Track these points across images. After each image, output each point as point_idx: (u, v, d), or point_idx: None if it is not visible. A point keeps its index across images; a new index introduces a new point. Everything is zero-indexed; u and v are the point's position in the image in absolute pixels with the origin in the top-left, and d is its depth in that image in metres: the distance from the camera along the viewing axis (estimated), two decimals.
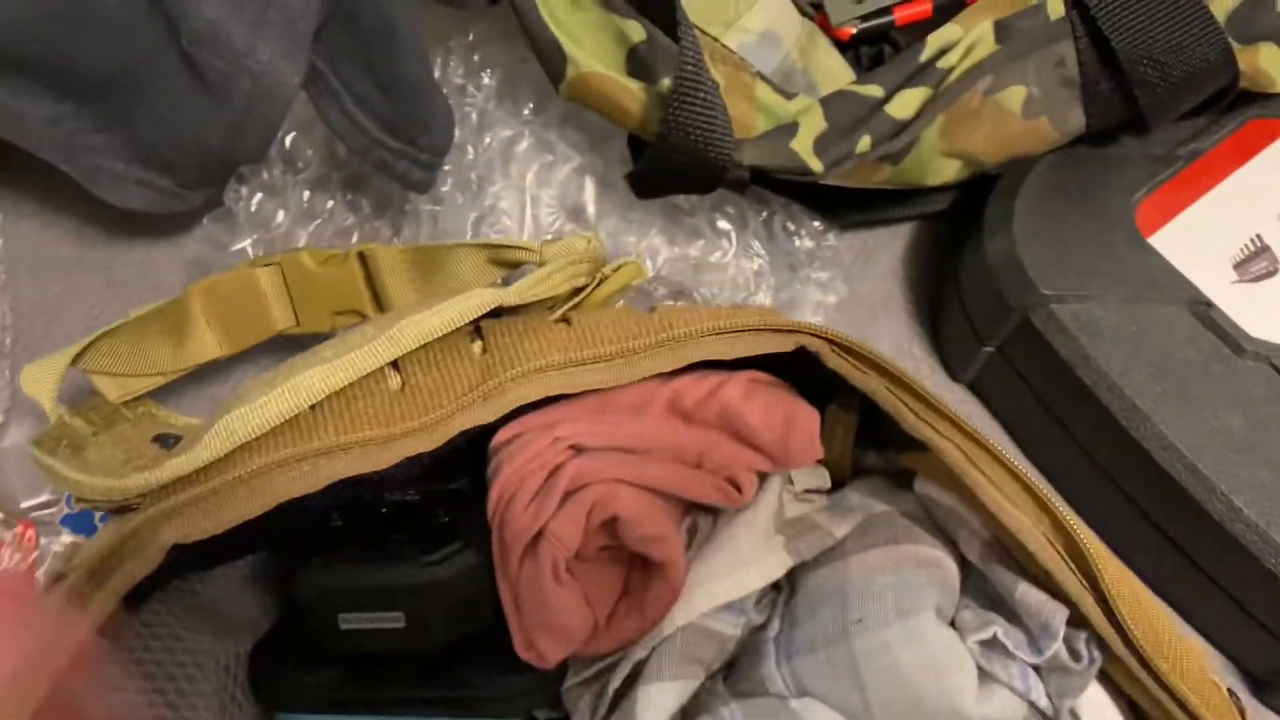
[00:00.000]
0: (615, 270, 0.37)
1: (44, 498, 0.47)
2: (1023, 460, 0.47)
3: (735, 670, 0.35)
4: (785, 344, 0.32)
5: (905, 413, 0.31)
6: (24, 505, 0.47)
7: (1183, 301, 0.43)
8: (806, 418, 0.33)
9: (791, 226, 0.48)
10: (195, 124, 0.41)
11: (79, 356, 0.38)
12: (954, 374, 0.50)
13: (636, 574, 0.34)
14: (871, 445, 0.38)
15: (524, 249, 0.38)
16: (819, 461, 0.36)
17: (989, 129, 0.44)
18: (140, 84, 0.41)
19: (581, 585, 0.33)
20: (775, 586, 0.36)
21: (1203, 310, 0.43)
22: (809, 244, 0.48)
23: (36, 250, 0.51)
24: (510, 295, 0.32)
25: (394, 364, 0.31)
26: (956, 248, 0.49)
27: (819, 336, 0.32)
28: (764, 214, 0.48)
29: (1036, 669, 0.32)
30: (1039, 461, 0.47)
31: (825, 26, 0.49)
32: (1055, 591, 0.31)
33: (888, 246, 0.52)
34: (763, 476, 0.35)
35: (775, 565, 0.33)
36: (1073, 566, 0.30)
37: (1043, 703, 0.32)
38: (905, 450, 0.36)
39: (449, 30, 0.47)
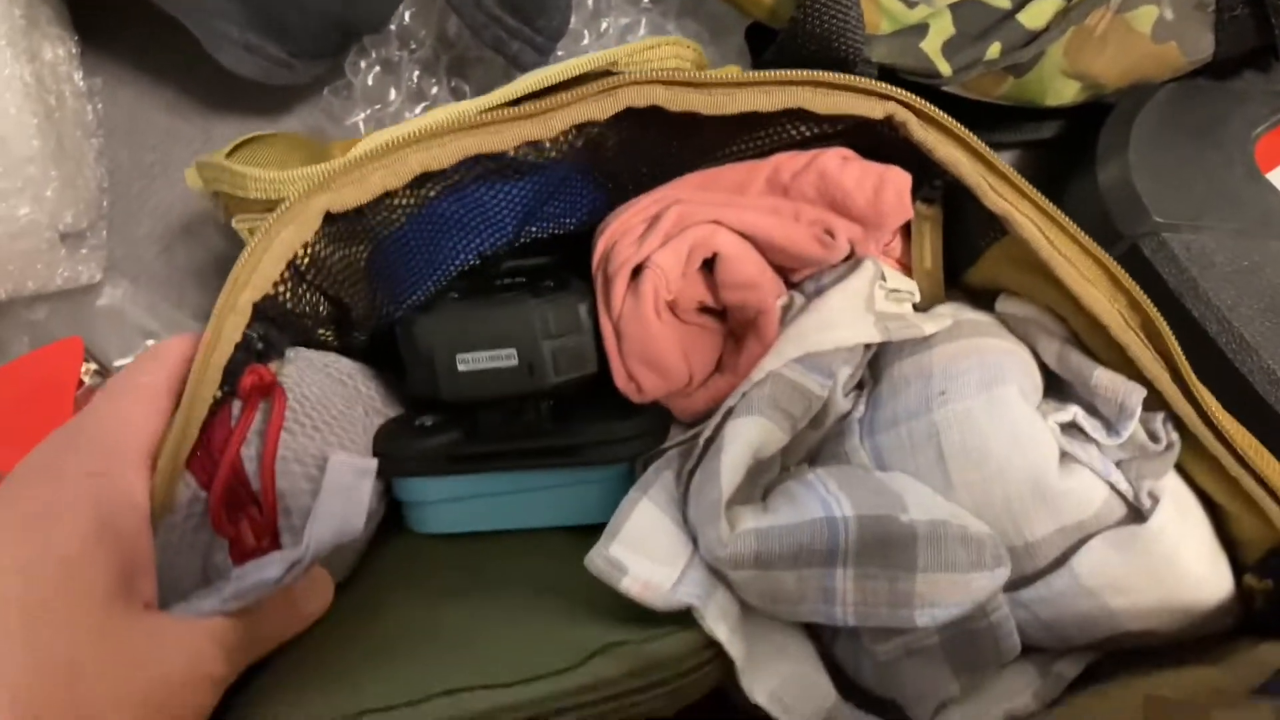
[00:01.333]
0: (717, 70, 0.37)
1: (133, 358, 0.47)
2: None
3: (820, 456, 0.36)
4: (875, 109, 0.32)
5: (985, 187, 0.32)
6: (117, 365, 0.47)
7: None
8: (898, 177, 0.34)
9: None
10: None
11: (235, 150, 0.40)
12: None
13: (730, 347, 0.36)
14: (954, 284, 0.39)
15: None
16: (910, 273, 0.37)
17: (1115, 50, 0.43)
18: None
19: (679, 343, 0.34)
20: (860, 385, 0.36)
21: None
22: None
23: (133, 117, 0.51)
24: (621, 53, 0.33)
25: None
26: (1062, 176, 0.48)
27: (908, 106, 0.32)
28: None
29: (1118, 464, 0.32)
30: None
31: None
32: (1132, 374, 0.31)
33: None
34: (857, 263, 0.35)
35: (864, 332, 0.34)
36: (1148, 343, 0.31)
37: (1123, 486, 0.32)
38: (981, 256, 0.36)
39: None
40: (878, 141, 0.33)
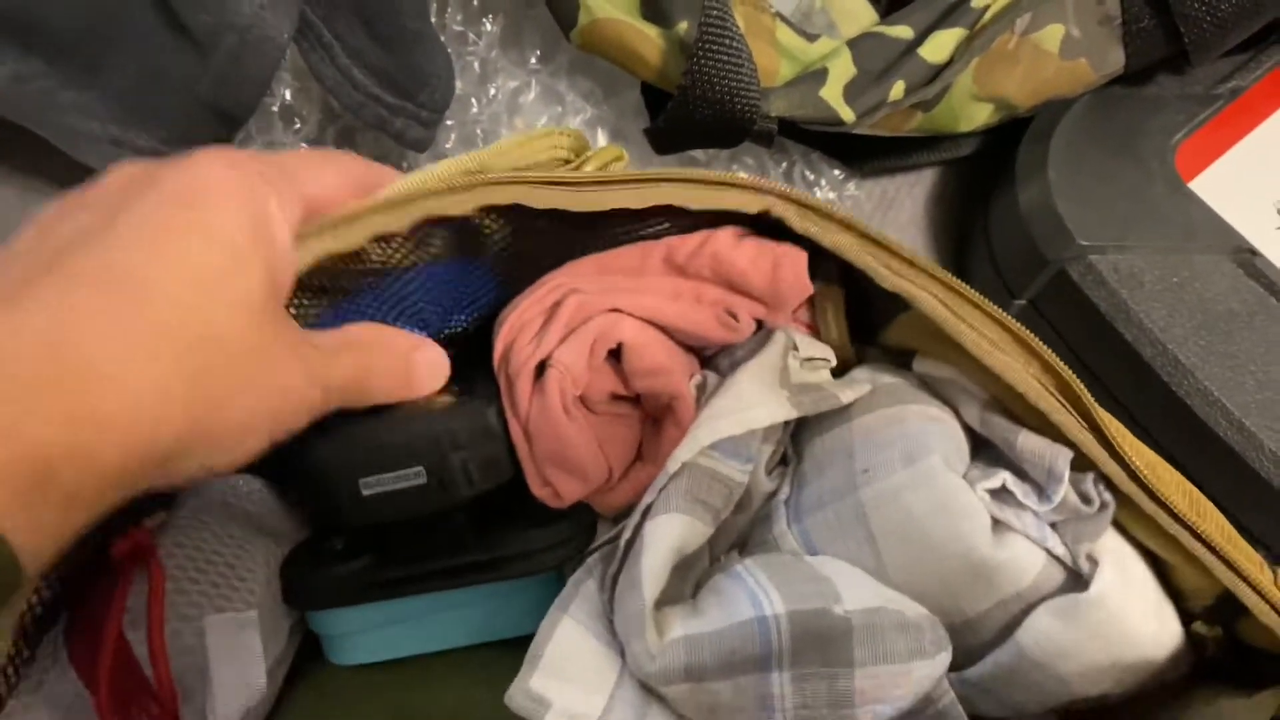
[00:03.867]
0: (596, 153, 0.36)
1: None
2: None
3: (749, 542, 0.35)
4: (751, 204, 0.31)
5: (879, 269, 0.31)
6: None
7: (1226, 250, 0.41)
8: (794, 256, 0.33)
9: (811, 176, 0.46)
10: (178, 77, 0.38)
11: None
12: None
13: (649, 434, 0.34)
14: (871, 343, 0.37)
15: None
16: (820, 338, 0.36)
17: (1025, 71, 0.41)
18: (115, 37, 0.38)
19: (595, 437, 0.33)
20: (784, 461, 0.35)
21: (1247, 259, 0.41)
22: (830, 194, 0.46)
23: (15, 221, 0.48)
24: (490, 153, 0.32)
25: None
26: (984, 195, 0.46)
27: (786, 199, 0.31)
28: (783, 164, 0.45)
29: (1051, 526, 0.31)
30: None
31: None
32: (1055, 436, 0.30)
33: (910, 194, 0.50)
34: (767, 334, 0.34)
35: (779, 410, 0.32)
36: (1068, 406, 0.30)
37: (1059, 550, 0.31)
38: (891, 321, 0.35)
39: None
40: (771, 227, 0.32)
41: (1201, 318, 0.40)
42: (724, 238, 0.33)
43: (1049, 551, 0.31)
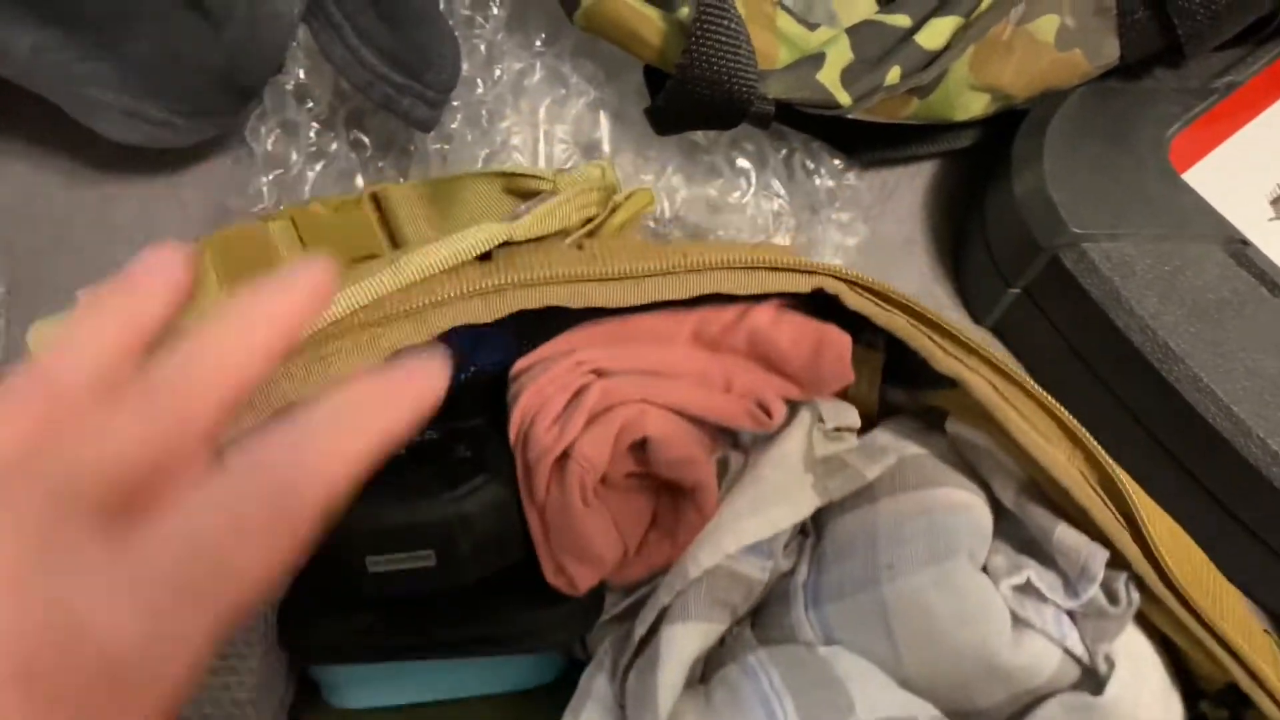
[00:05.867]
0: (627, 198, 0.36)
1: None
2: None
3: (762, 617, 0.35)
4: (802, 285, 0.31)
5: (934, 349, 0.31)
6: None
7: (1218, 240, 0.42)
8: (838, 340, 0.32)
9: (811, 165, 0.47)
10: (192, 50, 0.39)
11: None
12: (977, 317, 0.48)
13: (665, 503, 0.33)
14: (898, 383, 0.37)
15: (538, 177, 0.37)
16: (846, 398, 0.35)
17: (1020, 61, 0.42)
18: (131, 10, 0.39)
19: (610, 512, 0.32)
20: (803, 532, 0.35)
21: (1238, 249, 0.41)
22: (829, 183, 0.47)
23: (28, 197, 0.49)
24: (519, 229, 0.31)
25: None
26: (981, 186, 0.47)
27: (838, 278, 0.31)
28: (783, 151, 0.46)
29: (1071, 615, 0.31)
30: (1066, 407, 0.46)
31: None
32: (1091, 531, 0.30)
33: (909, 185, 0.50)
34: (792, 409, 0.34)
35: (804, 504, 0.32)
36: (1109, 503, 0.30)
37: (1078, 650, 0.31)
38: (933, 388, 0.35)
39: None
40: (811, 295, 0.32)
41: (1192, 305, 0.40)
42: (763, 315, 0.32)
43: (1067, 650, 0.31)
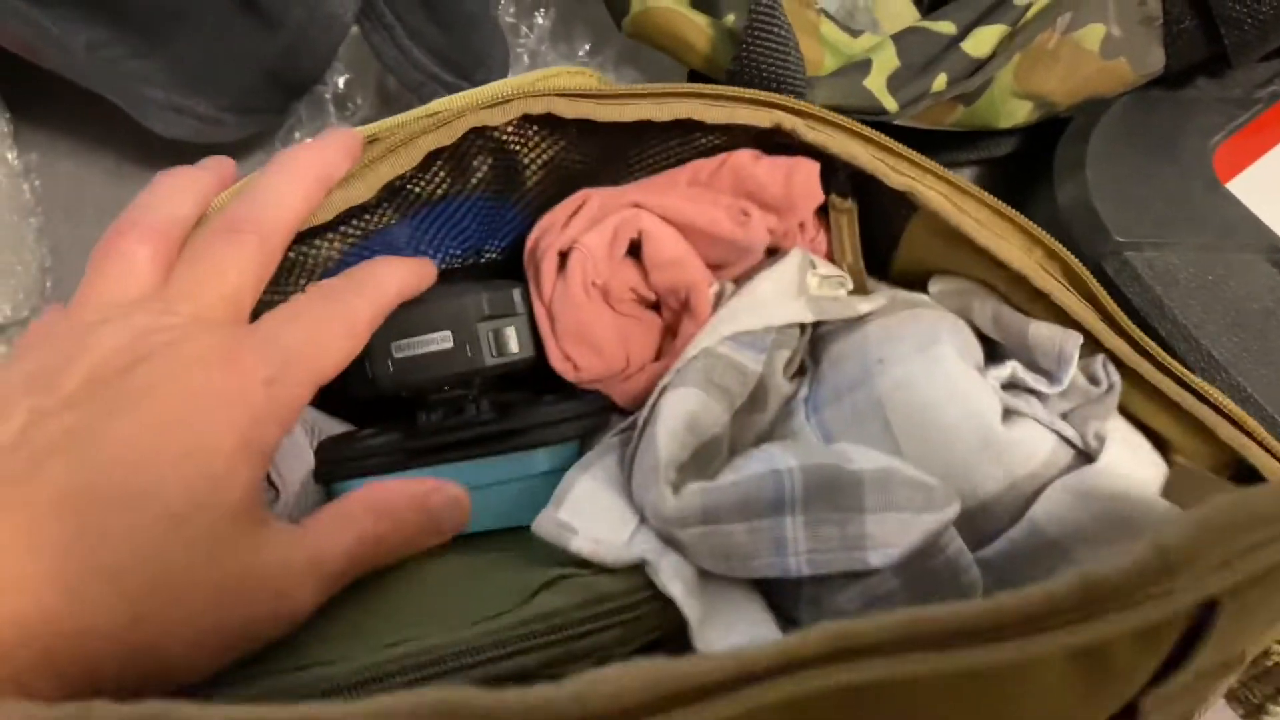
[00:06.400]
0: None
1: None
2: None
3: (770, 440, 0.35)
4: (763, 118, 0.33)
5: (884, 169, 0.33)
6: None
7: (1261, 250, 0.42)
8: (807, 165, 0.35)
9: None
10: (244, 49, 0.40)
11: None
12: None
13: (668, 340, 0.37)
14: (884, 277, 0.39)
15: None
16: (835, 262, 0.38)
17: (1065, 69, 0.42)
18: (186, 10, 0.39)
19: (614, 326, 0.35)
20: (802, 370, 0.36)
21: None
22: None
23: (74, 191, 0.50)
24: (524, 80, 0.34)
25: None
26: (1021, 193, 0.47)
27: (794, 111, 0.33)
28: None
29: (1063, 416, 0.33)
30: None
31: None
32: (1063, 323, 0.32)
33: None
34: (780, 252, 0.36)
35: (795, 311, 0.34)
36: (1071, 288, 0.32)
37: (1069, 432, 0.32)
38: (902, 237, 0.37)
39: None
40: (783, 148, 0.35)
41: (1236, 315, 0.40)
42: (743, 155, 0.35)
43: (1059, 434, 0.32)
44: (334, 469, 0.35)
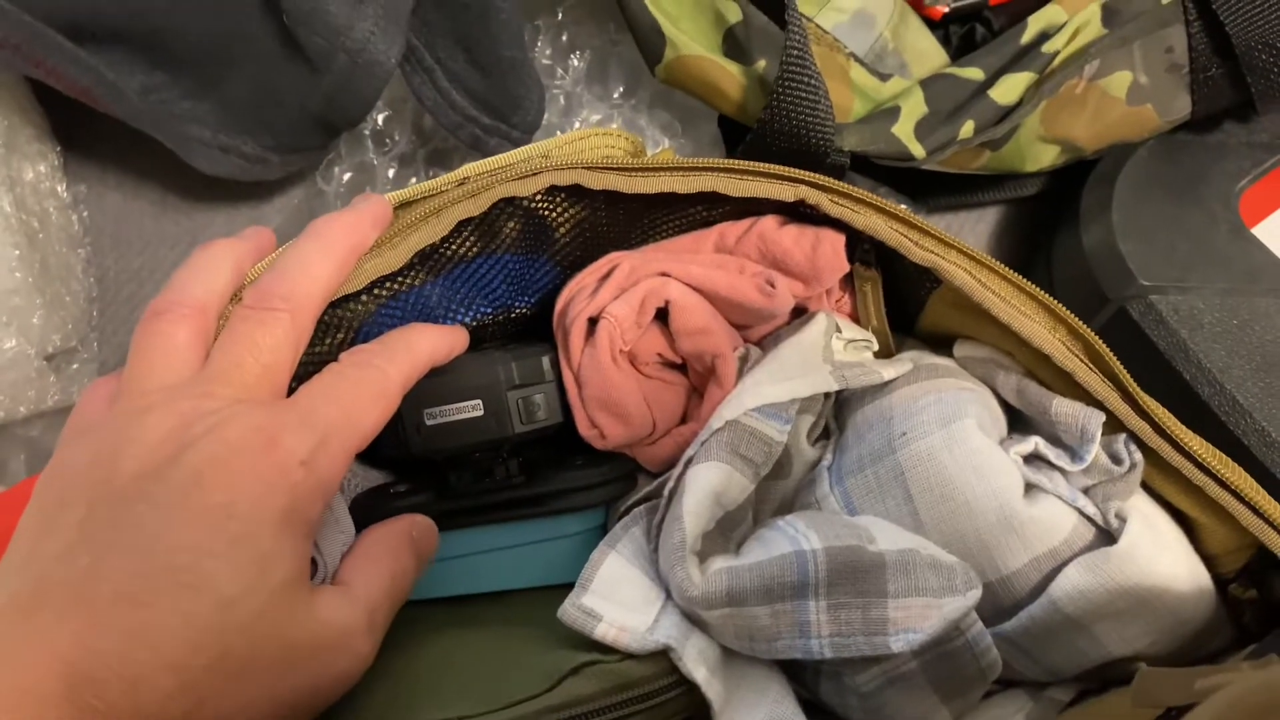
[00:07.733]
0: (653, 156, 0.38)
1: None
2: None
3: (793, 509, 0.36)
4: (786, 193, 0.34)
5: (908, 245, 0.33)
6: None
7: None
8: (832, 236, 0.35)
9: None
10: (290, 92, 0.41)
11: None
12: None
13: (695, 401, 0.37)
14: (909, 334, 0.40)
15: None
16: (861, 324, 0.38)
17: (1091, 115, 0.43)
18: (235, 55, 0.41)
19: (640, 391, 0.36)
20: (826, 434, 0.37)
21: None
22: None
23: (119, 222, 0.51)
24: (554, 144, 0.35)
25: None
26: (1047, 235, 0.48)
27: (818, 186, 0.34)
28: None
29: (1085, 493, 0.33)
30: None
31: (916, 4, 0.48)
32: (1085, 400, 0.32)
33: (974, 230, 0.51)
34: (810, 315, 0.37)
35: (820, 381, 0.34)
36: (1093, 368, 0.32)
37: (1090, 510, 0.32)
38: (926, 305, 0.37)
39: (537, 9, 0.46)
40: (810, 216, 0.35)
41: (1261, 359, 0.41)
42: (770, 221, 0.36)
43: (1080, 511, 0.32)
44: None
